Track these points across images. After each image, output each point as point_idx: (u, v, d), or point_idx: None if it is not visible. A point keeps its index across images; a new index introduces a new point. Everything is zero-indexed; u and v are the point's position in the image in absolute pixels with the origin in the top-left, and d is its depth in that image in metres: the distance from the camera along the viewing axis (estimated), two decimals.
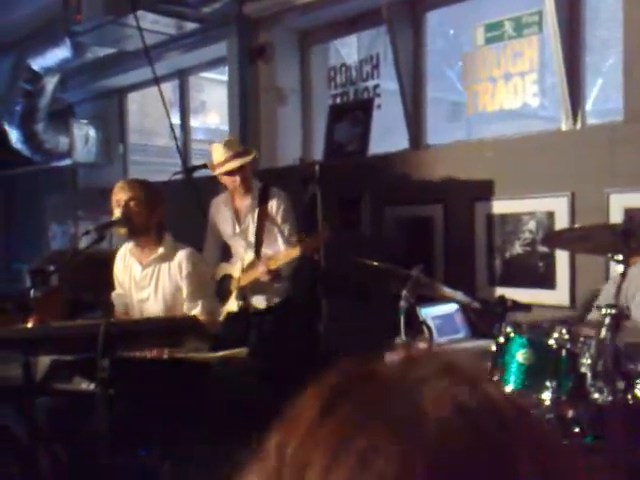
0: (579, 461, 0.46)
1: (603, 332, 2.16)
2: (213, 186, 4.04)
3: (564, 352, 2.32)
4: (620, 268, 2.30)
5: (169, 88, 6.50)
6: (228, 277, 3.77)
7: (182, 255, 2.99)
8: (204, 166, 4.05)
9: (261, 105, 5.28)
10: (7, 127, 6.57)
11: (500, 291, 3.61)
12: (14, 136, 6.59)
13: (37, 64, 6.06)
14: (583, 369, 2.23)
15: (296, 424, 0.45)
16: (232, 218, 3.81)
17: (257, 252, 3.72)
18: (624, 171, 3.38)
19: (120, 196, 2.95)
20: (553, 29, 3.75)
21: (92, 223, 4.85)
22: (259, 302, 3.76)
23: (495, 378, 2.35)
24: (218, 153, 3.73)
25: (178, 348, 2.59)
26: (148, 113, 7.36)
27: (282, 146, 5.25)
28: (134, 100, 7.22)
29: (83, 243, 3.32)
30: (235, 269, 3.74)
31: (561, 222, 3.60)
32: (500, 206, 3.87)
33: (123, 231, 2.96)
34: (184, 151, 6.08)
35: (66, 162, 7.00)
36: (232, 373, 2.56)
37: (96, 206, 5.71)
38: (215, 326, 3.05)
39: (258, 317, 3.72)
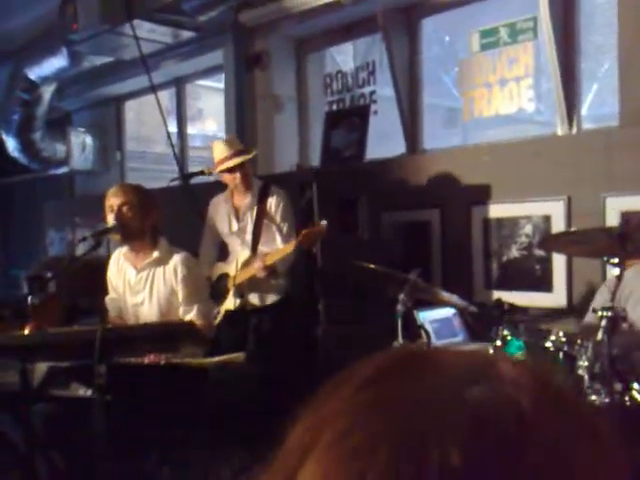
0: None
1: (600, 334, 2.17)
2: (210, 192, 4.05)
3: (561, 354, 2.33)
4: (616, 271, 2.31)
5: (166, 96, 6.52)
6: (225, 276, 3.77)
7: (177, 259, 2.99)
8: (201, 173, 4.07)
9: (258, 112, 5.29)
10: (4, 136, 6.58)
11: (497, 294, 3.61)
12: (11, 145, 6.60)
13: (34, 73, 6.08)
14: (580, 371, 2.23)
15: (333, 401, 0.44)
16: (231, 215, 3.81)
17: (254, 249, 3.71)
18: (620, 175, 3.39)
19: (113, 201, 2.95)
20: (548, 35, 3.77)
21: (89, 230, 4.86)
22: (257, 300, 3.74)
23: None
24: (219, 150, 3.75)
25: (174, 353, 2.59)
26: (145, 121, 7.38)
27: (279, 153, 5.26)
28: (131, 108, 7.24)
29: (80, 250, 3.32)
30: (231, 268, 3.73)
31: (557, 226, 3.61)
32: (497, 210, 3.89)
33: (118, 237, 2.97)
34: (181, 158, 6.09)
35: (63, 170, 7.01)
36: (229, 378, 2.56)
37: (93, 213, 5.70)
38: (211, 330, 3.05)
39: (256, 317, 3.70)
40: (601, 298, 2.64)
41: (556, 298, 3.63)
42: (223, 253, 3.96)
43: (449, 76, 5.05)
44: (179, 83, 6.37)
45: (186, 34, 5.38)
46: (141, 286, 3.03)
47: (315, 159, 5.11)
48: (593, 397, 2.14)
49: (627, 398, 2.18)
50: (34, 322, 2.72)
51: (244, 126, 5.30)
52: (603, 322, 2.17)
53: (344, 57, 5.48)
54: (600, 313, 2.19)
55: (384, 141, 4.92)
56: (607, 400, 2.11)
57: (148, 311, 3.02)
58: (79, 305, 3.74)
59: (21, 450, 2.62)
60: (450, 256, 4.10)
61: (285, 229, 3.72)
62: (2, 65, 6.49)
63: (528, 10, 3.99)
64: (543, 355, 2.34)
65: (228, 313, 3.67)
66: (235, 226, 3.80)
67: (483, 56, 4.26)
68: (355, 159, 4.70)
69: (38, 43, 5.98)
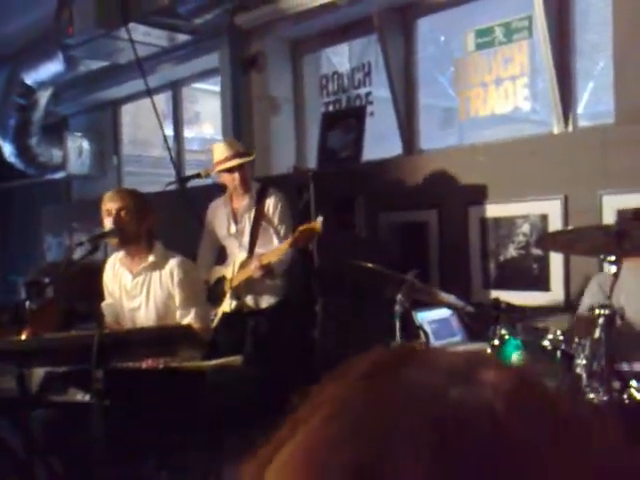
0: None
1: (597, 332, 2.17)
2: (207, 196, 4.05)
3: (559, 353, 2.32)
4: (613, 268, 2.31)
5: (162, 99, 6.52)
6: (222, 279, 3.77)
7: (173, 263, 2.99)
8: (197, 175, 4.06)
9: (254, 114, 5.29)
10: (1, 141, 6.58)
11: (495, 294, 3.61)
12: (8, 150, 6.60)
13: (30, 78, 6.08)
14: (578, 370, 2.23)
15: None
16: (229, 218, 3.82)
17: (251, 251, 3.72)
18: (616, 173, 3.39)
19: (110, 206, 2.95)
20: (543, 34, 3.77)
21: (87, 234, 4.84)
22: (253, 302, 3.74)
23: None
24: (219, 151, 3.77)
25: (172, 357, 2.59)
26: (141, 125, 7.37)
27: (276, 154, 5.26)
28: (127, 112, 7.23)
29: (77, 254, 3.32)
30: (229, 270, 3.74)
31: (554, 224, 3.61)
32: (494, 210, 3.89)
33: (115, 241, 2.97)
34: (178, 161, 6.09)
35: (60, 175, 7.01)
36: (227, 381, 2.55)
37: (91, 217, 5.70)
38: (208, 333, 3.04)
39: (253, 319, 3.70)
40: (590, 295, 2.64)
41: (554, 297, 3.63)
42: (222, 257, 3.96)
43: (445, 76, 5.05)
44: (175, 86, 6.37)
45: (182, 37, 5.38)
46: (137, 291, 3.02)
47: (312, 160, 5.11)
48: (591, 395, 2.14)
49: (626, 396, 2.17)
50: (31, 327, 2.71)
51: (241, 128, 5.30)
52: (600, 320, 2.16)
53: (340, 58, 5.48)
54: (597, 311, 2.18)
55: (380, 142, 4.92)
56: (605, 398, 2.11)
57: (145, 315, 3.01)
58: (77, 310, 3.74)
59: (20, 456, 2.62)
60: (447, 256, 4.10)
61: (282, 231, 3.72)
62: None
63: (523, 9, 4.00)
64: (541, 354, 2.34)
65: (225, 315, 3.67)
66: (233, 228, 3.81)
67: (478, 55, 4.26)
68: (352, 160, 4.70)
69: (34, 48, 5.99)
